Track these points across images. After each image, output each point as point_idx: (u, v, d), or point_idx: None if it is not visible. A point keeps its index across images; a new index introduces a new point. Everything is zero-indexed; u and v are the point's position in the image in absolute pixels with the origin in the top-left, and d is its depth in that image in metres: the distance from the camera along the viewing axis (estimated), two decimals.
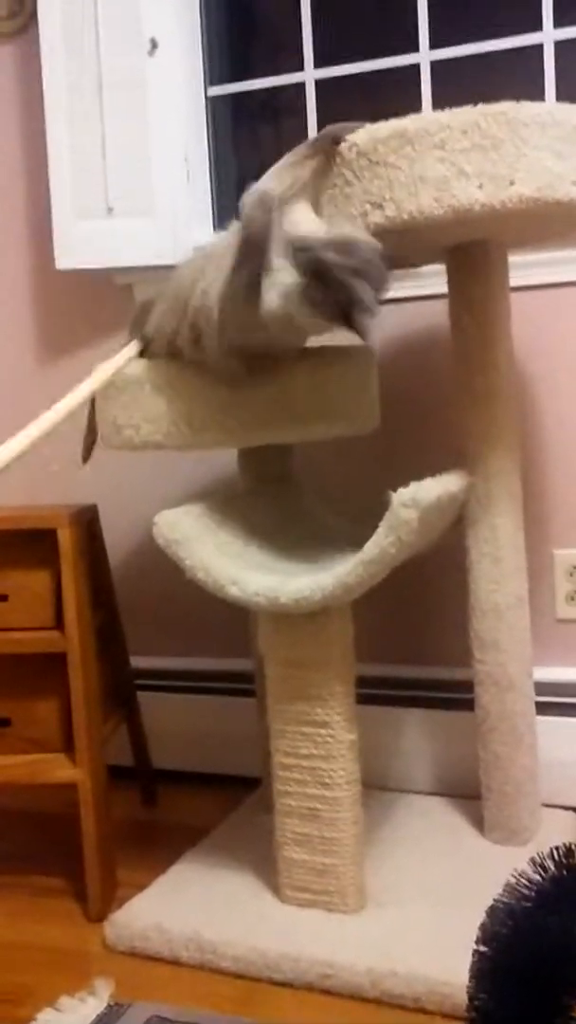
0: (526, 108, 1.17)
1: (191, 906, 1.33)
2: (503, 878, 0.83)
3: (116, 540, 1.87)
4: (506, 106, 1.16)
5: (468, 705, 1.49)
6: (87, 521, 1.52)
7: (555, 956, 0.77)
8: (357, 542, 1.21)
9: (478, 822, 1.50)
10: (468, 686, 1.47)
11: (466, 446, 1.41)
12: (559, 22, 1.62)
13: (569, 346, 1.59)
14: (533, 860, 0.78)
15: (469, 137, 1.16)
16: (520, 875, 0.78)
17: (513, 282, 1.54)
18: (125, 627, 1.76)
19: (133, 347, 1.33)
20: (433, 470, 1.35)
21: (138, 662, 1.81)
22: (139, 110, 1.68)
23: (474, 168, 1.16)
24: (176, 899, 1.36)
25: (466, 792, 1.61)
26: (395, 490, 1.15)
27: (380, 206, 1.19)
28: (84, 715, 1.38)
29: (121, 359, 1.30)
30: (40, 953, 1.31)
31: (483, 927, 0.81)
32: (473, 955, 0.82)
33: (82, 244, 1.71)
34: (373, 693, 1.66)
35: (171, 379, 1.29)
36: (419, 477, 1.23)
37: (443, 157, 1.16)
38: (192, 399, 1.28)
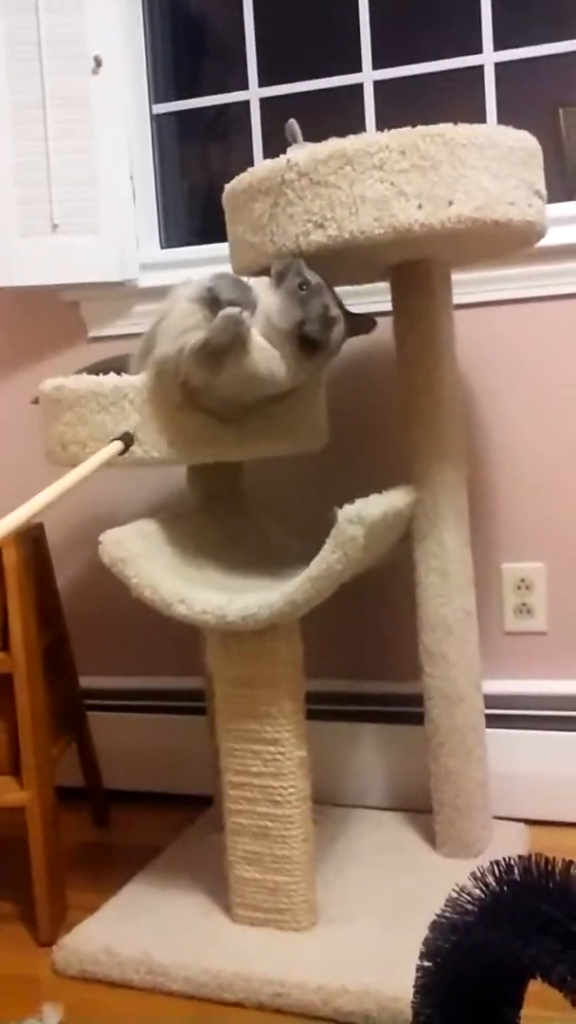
0: (464, 130, 1.19)
1: (142, 928, 1.32)
2: (452, 891, 0.83)
3: (63, 558, 1.86)
4: (444, 128, 1.18)
5: (419, 719, 1.50)
6: (33, 539, 1.51)
7: (496, 969, 0.77)
8: (305, 559, 1.22)
9: (430, 836, 1.50)
10: (418, 700, 1.48)
11: (412, 462, 1.42)
12: (499, 45, 1.66)
13: (512, 362, 1.62)
14: (474, 875, 0.78)
15: (408, 158, 1.18)
16: (462, 890, 0.79)
17: (456, 300, 1.56)
18: (74, 647, 1.75)
19: (117, 445, 1.33)
20: (380, 486, 1.36)
21: (88, 682, 1.79)
22: (84, 127, 1.68)
23: (413, 188, 1.18)
24: (127, 921, 1.35)
25: (418, 806, 1.61)
26: (342, 506, 1.15)
27: (321, 225, 1.21)
28: (31, 737, 1.37)
29: (105, 454, 1.29)
30: None
31: (426, 942, 0.81)
32: (417, 970, 0.82)
33: (27, 261, 1.70)
34: (324, 709, 1.66)
35: (118, 397, 1.28)
36: (366, 493, 1.24)
37: (383, 177, 1.18)
38: (139, 416, 1.28)
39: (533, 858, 0.78)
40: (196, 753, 1.75)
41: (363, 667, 1.72)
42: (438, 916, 0.80)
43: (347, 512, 1.15)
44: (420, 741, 1.56)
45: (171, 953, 1.25)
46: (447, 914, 0.80)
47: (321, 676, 1.68)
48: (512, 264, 1.57)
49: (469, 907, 0.79)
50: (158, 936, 1.30)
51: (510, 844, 1.49)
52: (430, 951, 0.80)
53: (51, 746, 1.44)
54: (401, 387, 1.43)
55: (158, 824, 1.71)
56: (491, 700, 1.56)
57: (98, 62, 1.67)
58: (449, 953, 0.79)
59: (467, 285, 1.60)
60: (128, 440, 1.27)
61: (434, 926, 0.81)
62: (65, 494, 1.17)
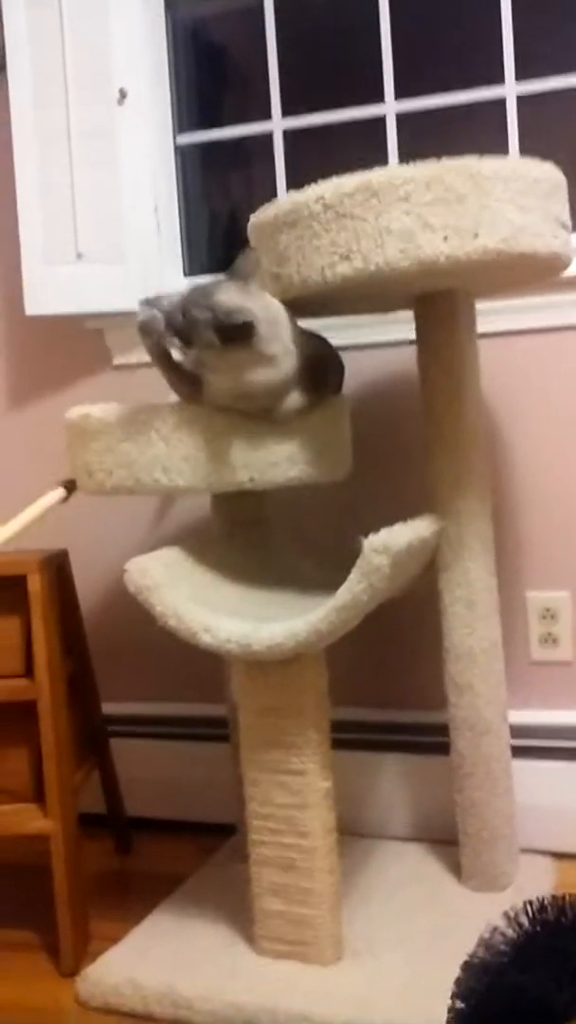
0: (488, 162, 1.19)
1: (165, 959, 1.31)
2: (481, 926, 0.82)
3: (88, 585, 1.86)
4: (469, 160, 1.19)
5: (444, 749, 1.49)
6: (57, 566, 1.51)
7: (529, 1013, 0.76)
8: (330, 587, 1.22)
9: (455, 868, 1.49)
10: (444, 730, 1.47)
11: (437, 491, 1.42)
12: (521, 76, 1.67)
13: (535, 390, 1.62)
14: (507, 915, 0.77)
15: (433, 190, 1.18)
16: (495, 930, 0.78)
17: (480, 329, 1.57)
18: (97, 673, 1.75)
19: (59, 492, 1.38)
20: (404, 515, 1.36)
21: (111, 708, 1.79)
22: (109, 158, 1.70)
23: (439, 221, 1.18)
24: (150, 952, 1.34)
25: (443, 837, 1.60)
26: (367, 535, 1.15)
27: (347, 257, 1.21)
28: (55, 764, 1.37)
29: (47, 500, 1.36)
30: (10, 1012, 1.28)
31: (458, 982, 0.81)
32: (449, 1011, 0.82)
33: (52, 290, 1.72)
34: (348, 738, 1.65)
35: (145, 425, 1.29)
36: (391, 522, 1.24)
37: (408, 210, 1.18)
38: (165, 445, 1.29)
39: (567, 898, 0.77)
40: (219, 781, 1.74)
41: (387, 696, 1.71)
42: (470, 957, 0.79)
43: (373, 542, 1.15)
44: (445, 771, 1.55)
45: (195, 985, 1.24)
46: (479, 955, 0.79)
47: (345, 704, 1.68)
48: (536, 293, 1.57)
49: (502, 947, 0.78)
50: (182, 968, 1.29)
51: (537, 878, 1.47)
52: (463, 992, 0.80)
53: (74, 773, 1.44)
54: (425, 416, 1.43)
55: (180, 852, 1.70)
56: (517, 730, 1.55)
57: (123, 94, 1.70)
58: (482, 995, 0.78)
59: (491, 314, 1.60)
60: (71, 487, 1.32)
61: (466, 967, 0.80)
62: (9, 541, 1.24)
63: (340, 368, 1.48)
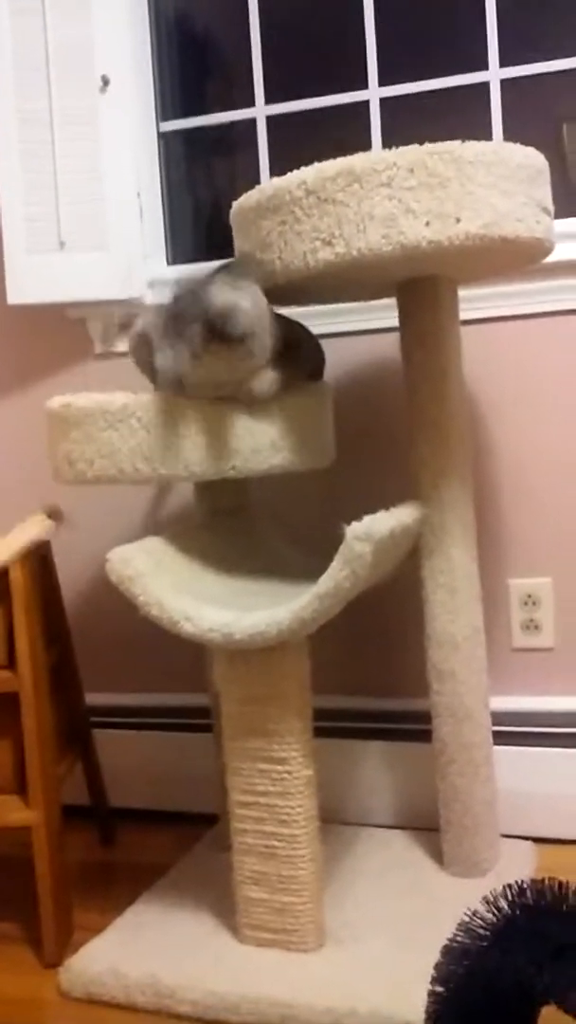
0: (471, 147, 1.19)
1: (148, 949, 1.31)
2: (462, 912, 0.82)
3: (70, 576, 1.85)
4: (452, 145, 1.18)
5: (426, 736, 1.49)
6: (39, 557, 1.50)
7: (509, 996, 0.76)
8: (312, 575, 1.21)
9: (437, 855, 1.49)
10: (425, 717, 1.47)
11: (419, 478, 1.42)
12: (505, 60, 1.66)
13: (519, 377, 1.62)
14: (487, 898, 0.77)
15: (416, 175, 1.18)
16: (474, 914, 0.78)
17: (463, 315, 1.56)
18: (80, 664, 1.74)
19: (47, 523, 1.43)
20: (387, 502, 1.35)
21: (94, 699, 1.78)
22: (91, 146, 1.68)
23: (421, 206, 1.18)
24: (133, 942, 1.33)
25: (425, 824, 1.60)
26: (349, 523, 1.15)
27: (329, 243, 1.21)
28: (37, 756, 1.36)
29: (33, 529, 1.39)
30: None
31: (438, 967, 0.80)
32: (428, 995, 0.81)
33: (34, 278, 1.70)
34: (331, 726, 1.65)
35: (125, 414, 1.28)
36: (373, 510, 1.23)
37: (391, 195, 1.18)
38: (146, 433, 1.28)
39: (546, 881, 0.77)
40: (202, 771, 1.74)
41: (369, 684, 1.71)
42: (450, 940, 0.79)
43: (355, 529, 1.15)
44: (427, 758, 1.55)
45: (178, 975, 1.24)
46: (459, 938, 0.79)
47: (327, 693, 1.67)
48: (519, 280, 1.57)
49: (481, 931, 0.78)
50: (164, 957, 1.29)
51: (518, 863, 1.48)
52: (442, 976, 0.80)
53: (57, 764, 1.43)
54: (408, 403, 1.42)
55: (164, 843, 1.70)
56: (499, 717, 1.55)
57: (105, 81, 1.68)
58: (461, 979, 0.78)
59: (474, 301, 1.60)
60: (56, 515, 1.32)
61: (446, 951, 0.80)
62: None
63: (318, 352, 1.48)
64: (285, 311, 1.60)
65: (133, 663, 1.84)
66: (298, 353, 1.39)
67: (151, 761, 1.81)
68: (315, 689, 1.31)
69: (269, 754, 1.27)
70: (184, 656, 1.76)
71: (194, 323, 1.20)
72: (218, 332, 1.20)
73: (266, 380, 1.30)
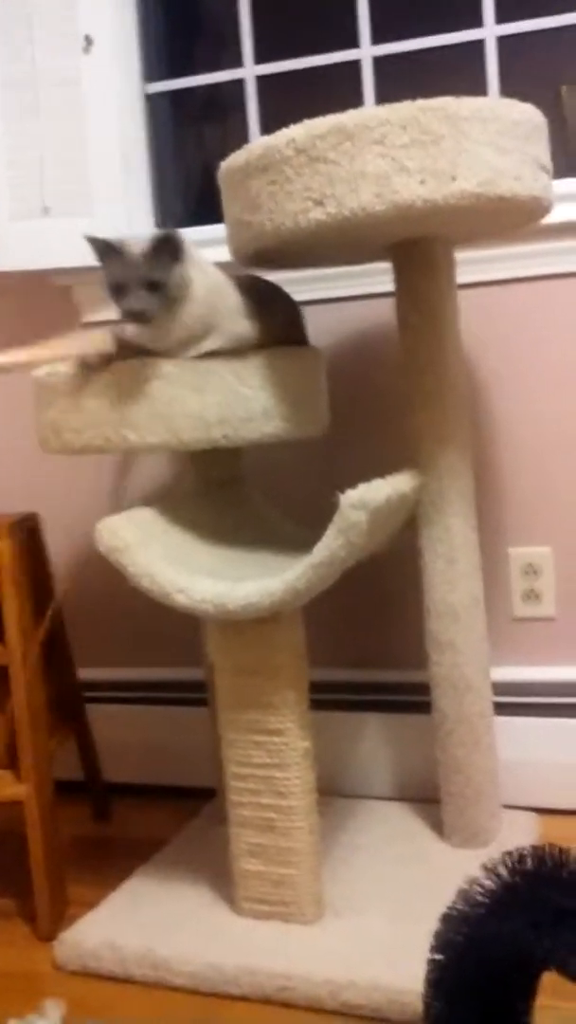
0: (466, 103, 1.15)
1: (144, 922, 1.30)
2: (463, 882, 0.81)
3: (61, 548, 1.83)
4: (445, 101, 1.15)
5: (425, 708, 1.47)
6: (28, 530, 1.48)
7: (509, 962, 0.75)
8: (307, 545, 1.19)
9: (438, 826, 1.48)
10: (425, 688, 1.45)
11: (417, 446, 1.39)
12: (501, 18, 1.62)
13: (518, 342, 1.59)
14: (486, 866, 0.76)
15: (409, 132, 1.14)
16: (473, 881, 0.76)
17: (461, 279, 1.53)
18: (72, 638, 1.72)
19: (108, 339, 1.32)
20: (384, 471, 1.33)
21: (87, 674, 1.77)
22: (75, 108, 1.64)
23: (415, 164, 1.14)
24: (129, 916, 1.32)
25: (425, 796, 1.59)
26: (344, 492, 1.12)
27: (320, 203, 1.17)
28: (29, 730, 1.34)
29: (82, 345, 1.30)
30: None
31: (437, 935, 0.79)
32: (428, 963, 0.80)
33: (18, 245, 1.67)
34: (328, 698, 1.63)
35: (111, 381, 1.26)
36: (370, 478, 1.21)
37: (383, 152, 1.15)
38: (135, 400, 1.25)
39: (547, 848, 0.75)
40: (198, 745, 1.72)
41: (368, 655, 1.69)
42: (449, 908, 0.77)
43: (350, 497, 1.12)
44: (427, 730, 1.53)
45: (174, 947, 1.23)
46: (458, 906, 0.77)
47: (325, 665, 1.66)
48: (517, 242, 1.54)
49: (481, 899, 0.76)
50: (161, 930, 1.27)
51: (520, 833, 1.46)
52: (441, 944, 0.78)
53: (49, 739, 1.42)
54: (404, 369, 1.40)
55: (160, 817, 1.69)
56: (499, 687, 1.53)
57: (89, 41, 1.64)
58: (460, 946, 0.76)
59: (471, 264, 1.56)
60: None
61: (445, 919, 0.78)
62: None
63: (293, 309, 1.44)
64: (277, 275, 1.58)
65: (126, 637, 1.82)
66: (270, 303, 1.38)
67: (146, 735, 1.79)
68: (313, 661, 1.29)
69: (265, 726, 1.25)
70: (177, 629, 1.74)
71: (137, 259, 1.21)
72: (155, 247, 1.21)
73: (233, 330, 1.29)
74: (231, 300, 1.31)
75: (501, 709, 1.54)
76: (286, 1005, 1.15)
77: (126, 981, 1.23)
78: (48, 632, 1.55)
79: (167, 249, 1.21)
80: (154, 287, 1.21)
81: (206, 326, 1.27)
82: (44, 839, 1.35)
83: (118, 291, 1.22)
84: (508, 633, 1.62)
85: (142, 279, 1.20)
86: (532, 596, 1.60)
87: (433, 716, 1.44)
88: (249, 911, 1.29)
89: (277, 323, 1.38)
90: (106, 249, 1.22)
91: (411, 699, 1.61)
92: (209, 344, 1.28)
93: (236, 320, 1.30)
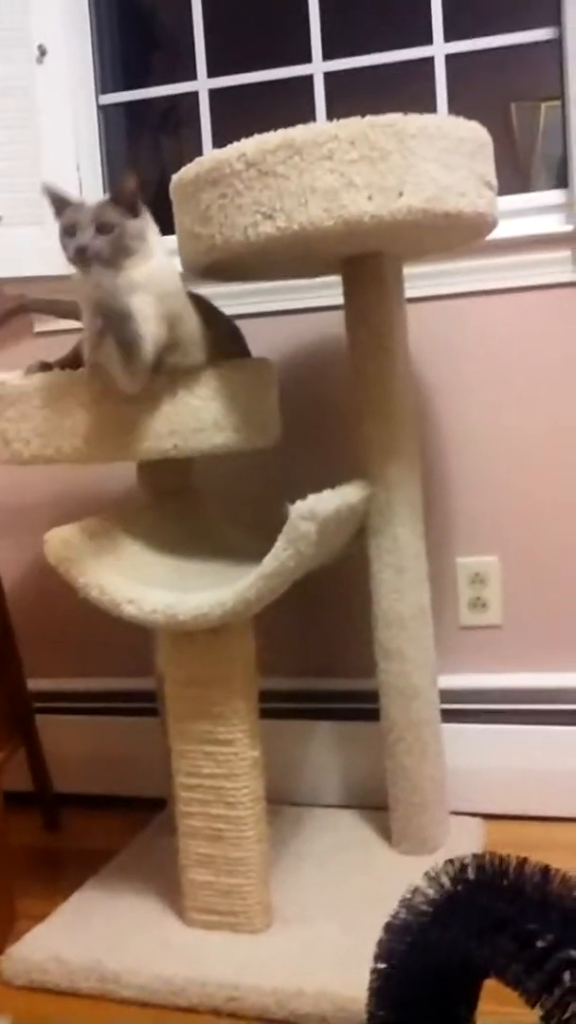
0: (413, 120, 1.17)
1: (93, 935, 1.29)
2: (406, 891, 0.82)
3: (10, 559, 1.81)
4: (393, 118, 1.17)
5: (374, 715, 1.48)
6: None
7: (451, 970, 0.76)
8: (258, 556, 1.20)
9: (386, 833, 1.49)
10: (373, 696, 1.47)
11: (366, 457, 1.41)
12: (452, 36, 1.65)
13: (464, 356, 1.61)
14: (428, 874, 0.77)
15: (357, 148, 1.16)
16: (416, 890, 0.78)
17: (409, 293, 1.55)
18: (22, 648, 1.71)
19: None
20: (333, 482, 1.34)
21: (37, 684, 1.75)
22: (28, 118, 1.64)
23: (363, 179, 1.16)
24: (77, 928, 1.31)
25: (374, 803, 1.60)
26: (294, 502, 1.13)
27: (270, 216, 1.18)
28: None
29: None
30: None
31: (380, 944, 0.80)
32: (371, 972, 0.81)
33: None
34: (277, 707, 1.64)
35: (63, 391, 1.25)
36: (319, 489, 1.22)
37: (332, 168, 1.16)
38: (85, 411, 1.25)
39: (487, 856, 0.76)
40: (148, 755, 1.72)
41: (316, 664, 1.70)
42: (392, 917, 0.79)
43: (299, 508, 1.13)
44: (375, 738, 1.55)
45: (123, 959, 1.23)
46: (401, 915, 0.78)
47: (274, 674, 1.66)
48: (464, 258, 1.57)
49: (423, 907, 0.77)
50: (110, 942, 1.27)
51: (467, 840, 1.48)
52: (384, 953, 0.79)
53: None
54: (353, 381, 1.41)
55: (110, 828, 1.68)
56: (446, 695, 1.55)
57: (42, 51, 1.64)
58: (403, 954, 0.77)
59: (419, 279, 1.59)
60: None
61: (388, 927, 0.79)
62: None
63: (232, 323, 1.45)
64: (229, 288, 1.58)
65: (76, 647, 1.81)
66: (216, 321, 1.38)
67: (96, 746, 1.78)
68: (262, 670, 1.29)
69: (214, 736, 1.25)
70: (128, 639, 1.73)
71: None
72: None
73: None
74: (191, 311, 1.30)
75: (448, 716, 1.56)
76: (234, 1016, 1.15)
77: (73, 995, 1.22)
78: None
79: (125, 201, 1.20)
80: (105, 229, 1.18)
81: (155, 310, 1.22)
82: None
83: (69, 233, 1.19)
84: (455, 641, 1.64)
85: (94, 219, 1.19)
86: (479, 604, 1.63)
87: (381, 723, 1.45)
88: (198, 921, 1.29)
89: (224, 337, 1.39)
90: (63, 201, 1.22)
91: (360, 707, 1.62)
92: (177, 358, 1.27)
93: (195, 331, 1.30)
